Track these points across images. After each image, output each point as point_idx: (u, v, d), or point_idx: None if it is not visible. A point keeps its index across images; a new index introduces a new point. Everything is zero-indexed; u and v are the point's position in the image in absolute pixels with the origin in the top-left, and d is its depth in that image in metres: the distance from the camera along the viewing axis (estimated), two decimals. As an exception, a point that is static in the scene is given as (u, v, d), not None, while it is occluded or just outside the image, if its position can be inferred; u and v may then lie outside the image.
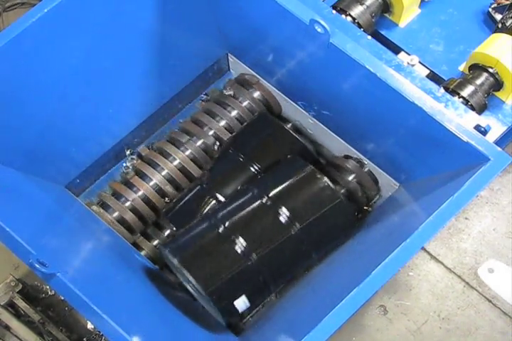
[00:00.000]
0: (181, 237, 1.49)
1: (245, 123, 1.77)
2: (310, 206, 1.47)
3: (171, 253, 1.42)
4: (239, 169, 1.65)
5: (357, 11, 1.67)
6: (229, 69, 1.88)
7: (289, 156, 1.61)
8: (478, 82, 1.62)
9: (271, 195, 1.47)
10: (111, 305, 1.20)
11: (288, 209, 1.44)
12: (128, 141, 1.78)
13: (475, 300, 1.96)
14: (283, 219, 1.44)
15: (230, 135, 1.75)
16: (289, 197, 1.47)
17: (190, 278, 1.38)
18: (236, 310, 1.43)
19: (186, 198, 1.69)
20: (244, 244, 1.40)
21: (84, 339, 1.93)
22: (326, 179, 1.47)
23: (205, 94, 1.90)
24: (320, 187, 1.47)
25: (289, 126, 1.83)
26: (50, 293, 1.98)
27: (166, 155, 1.73)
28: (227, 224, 1.44)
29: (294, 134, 1.67)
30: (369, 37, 1.34)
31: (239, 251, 1.40)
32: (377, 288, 1.13)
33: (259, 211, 1.47)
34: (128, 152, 1.82)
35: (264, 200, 1.47)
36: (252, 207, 1.47)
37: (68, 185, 1.70)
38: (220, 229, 1.43)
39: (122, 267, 1.51)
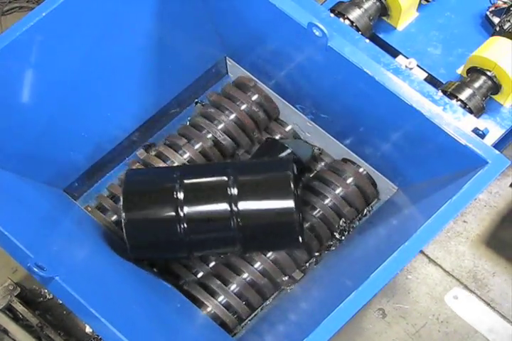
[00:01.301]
0: (146, 172, 1.63)
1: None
2: (261, 211, 1.46)
3: (125, 176, 1.52)
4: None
5: (355, 14, 1.67)
6: (227, 73, 1.88)
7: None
8: (476, 85, 1.62)
9: (239, 177, 1.47)
10: (109, 308, 1.20)
11: (240, 195, 1.44)
12: (126, 145, 1.78)
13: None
14: (230, 201, 1.43)
15: (228, 138, 1.75)
16: (251, 186, 1.48)
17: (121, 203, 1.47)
18: (143, 254, 1.55)
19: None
20: (183, 201, 1.44)
21: (83, 342, 1.93)
22: (293, 190, 1.43)
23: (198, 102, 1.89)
24: (283, 198, 1.44)
25: (288, 129, 1.84)
26: (48, 296, 1.98)
27: (164, 159, 1.73)
28: (183, 176, 1.48)
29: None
30: (367, 40, 1.34)
31: (173, 209, 1.44)
32: (376, 291, 1.13)
33: (215, 181, 1.49)
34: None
35: (228, 175, 1.47)
36: (213, 176, 1.50)
37: (66, 188, 1.70)
38: (175, 179, 1.47)
39: (121, 271, 1.51)
